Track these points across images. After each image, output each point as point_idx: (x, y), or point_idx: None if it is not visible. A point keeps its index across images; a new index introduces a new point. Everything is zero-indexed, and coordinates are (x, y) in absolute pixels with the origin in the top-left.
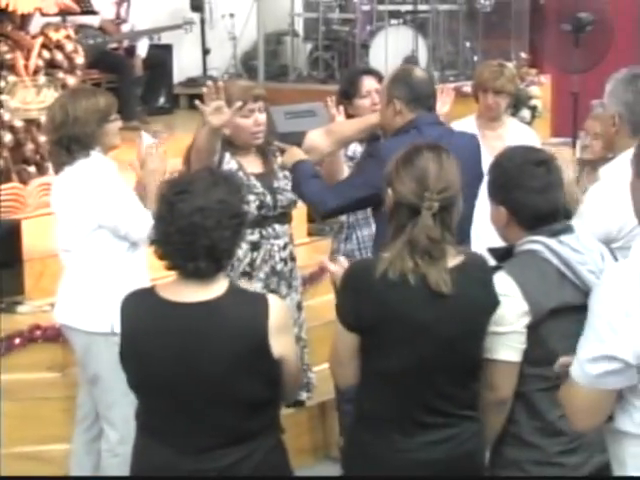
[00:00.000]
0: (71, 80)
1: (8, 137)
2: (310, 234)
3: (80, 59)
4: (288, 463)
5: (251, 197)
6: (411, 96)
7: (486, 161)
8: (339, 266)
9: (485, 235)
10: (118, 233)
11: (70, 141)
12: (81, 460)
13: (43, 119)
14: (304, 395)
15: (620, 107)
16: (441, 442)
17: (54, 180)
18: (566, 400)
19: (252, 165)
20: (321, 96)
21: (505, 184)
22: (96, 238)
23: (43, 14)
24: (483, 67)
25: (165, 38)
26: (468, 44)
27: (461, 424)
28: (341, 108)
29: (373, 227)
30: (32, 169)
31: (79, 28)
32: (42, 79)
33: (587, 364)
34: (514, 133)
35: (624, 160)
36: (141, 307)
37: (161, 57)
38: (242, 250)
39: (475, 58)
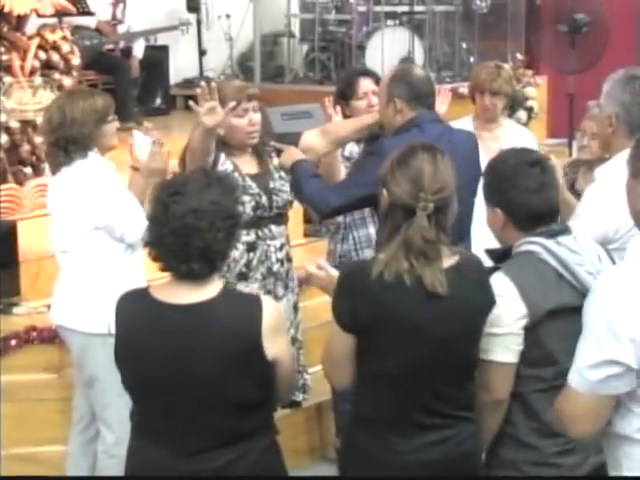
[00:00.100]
0: (67, 81)
1: (4, 138)
2: (306, 235)
3: (76, 60)
4: (283, 463)
5: (247, 198)
6: (412, 95)
7: (483, 162)
8: (317, 267)
9: (483, 237)
10: (114, 234)
11: (68, 142)
12: (77, 461)
13: (39, 120)
14: (300, 396)
15: (617, 108)
16: (438, 443)
17: (51, 181)
18: (564, 408)
19: (247, 166)
20: (317, 97)
21: (500, 185)
22: (93, 239)
23: (39, 15)
24: (480, 68)
25: (161, 39)
26: (464, 45)
27: (458, 425)
28: (338, 108)
29: (369, 227)
30: (28, 170)
31: (75, 29)
32: (38, 80)
33: (587, 370)
34: (511, 134)
35: (620, 161)
36: (135, 308)
37: (157, 58)
38: (238, 251)
39: (471, 59)
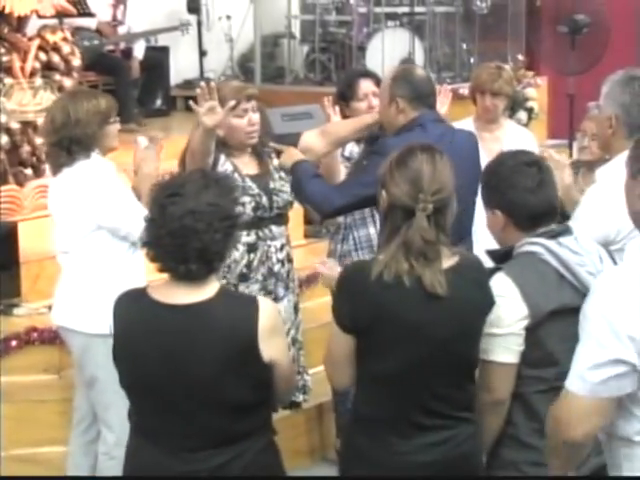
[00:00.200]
0: (68, 82)
1: (4, 139)
2: (307, 236)
3: (77, 61)
4: (281, 463)
5: (247, 198)
6: (414, 94)
7: (483, 163)
8: (327, 267)
9: (484, 238)
10: (118, 234)
11: (71, 142)
12: (78, 462)
13: (40, 121)
14: (300, 397)
15: (617, 109)
16: (438, 444)
17: (52, 182)
18: (560, 413)
19: (247, 166)
20: (318, 98)
21: (498, 186)
22: (95, 239)
23: (40, 16)
24: (481, 69)
25: (162, 40)
26: (465, 46)
27: (458, 426)
28: (337, 108)
29: (370, 228)
30: (28, 171)
31: (76, 30)
32: (39, 81)
33: (588, 372)
34: (512, 135)
35: (621, 162)
36: (132, 308)
37: (158, 59)
38: (239, 252)
39: (472, 60)
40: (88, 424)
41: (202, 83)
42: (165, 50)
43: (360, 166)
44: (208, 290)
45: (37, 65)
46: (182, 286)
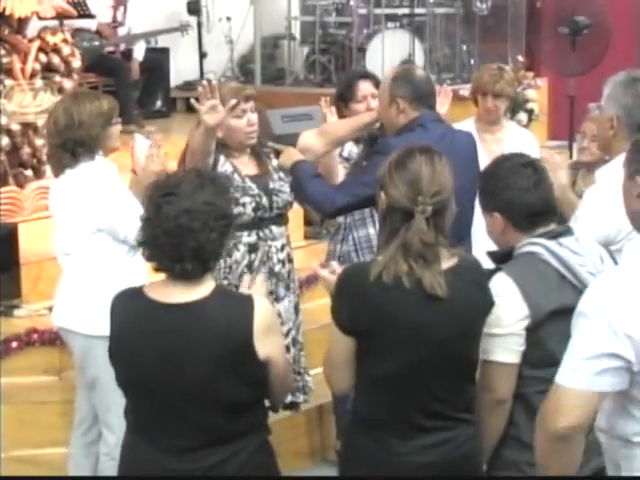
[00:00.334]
0: (68, 84)
1: (5, 141)
2: (307, 237)
3: (77, 63)
4: (275, 463)
5: (247, 199)
6: (414, 95)
7: (484, 165)
8: (330, 271)
9: (484, 240)
10: (117, 236)
11: (75, 145)
12: (79, 464)
13: (40, 123)
14: (300, 397)
15: (618, 110)
16: (438, 445)
17: (54, 183)
18: (547, 404)
19: (247, 167)
20: (318, 99)
21: (495, 188)
22: (96, 241)
23: (40, 18)
24: (482, 70)
25: (162, 41)
26: (465, 47)
27: (458, 427)
28: (333, 109)
29: (369, 228)
30: (29, 173)
31: (76, 32)
32: (39, 83)
33: (583, 362)
34: (513, 136)
35: (621, 163)
36: (129, 307)
37: (158, 60)
38: (240, 252)
39: (472, 61)
40: (89, 425)
41: (204, 82)
42: (165, 51)
43: (360, 166)
44: (204, 289)
45: (37, 66)
46: (178, 285)
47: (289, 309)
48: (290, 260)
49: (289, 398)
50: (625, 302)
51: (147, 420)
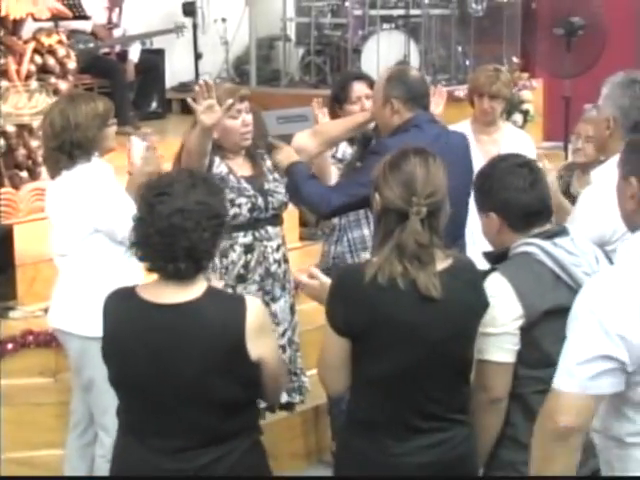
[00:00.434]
0: (63, 85)
1: (0, 142)
2: (302, 238)
3: (72, 64)
4: (266, 464)
5: (243, 200)
6: (409, 95)
7: (480, 166)
8: (309, 276)
9: (481, 240)
10: (115, 238)
11: (72, 146)
12: (74, 466)
13: (35, 124)
14: (297, 398)
15: (615, 111)
16: (434, 446)
17: (50, 185)
18: (547, 406)
19: (242, 168)
20: (313, 101)
21: (491, 188)
22: (92, 242)
23: (35, 19)
24: (479, 72)
25: (157, 43)
26: (460, 48)
27: (453, 428)
28: (325, 110)
29: (364, 229)
30: (24, 174)
31: (71, 33)
32: (34, 84)
33: (577, 367)
34: (509, 138)
35: (616, 163)
36: (121, 307)
37: (153, 62)
38: (236, 253)
39: (467, 62)
40: (84, 427)
41: (200, 81)
42: (160, 53)
43: (354, 167)
44: (196, 289)
45: (32, 68)
46: (171, 285)
47: (285, 309)
48: (286, 260)
49: (285, 398)
50: (618, 303)
51: (139, 420)
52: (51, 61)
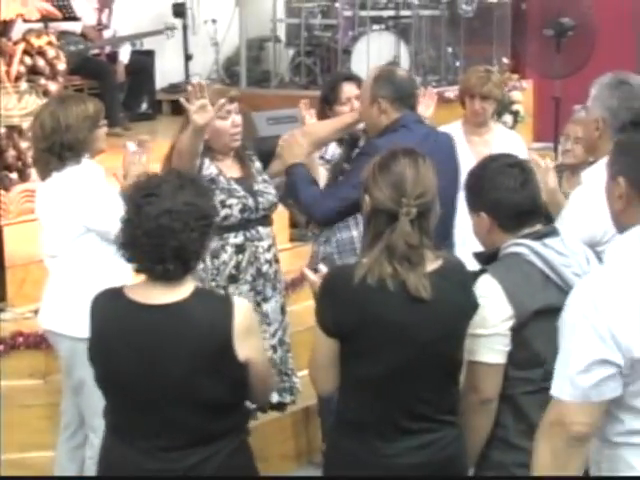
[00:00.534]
0: (53, 86)
1: None
2: (292, 239)
3: (62, 65)
4: (253, 464)
5: (233, 201)
6: (396, 95)
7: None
8: (319, 276)
9: (471, 241)
10: (108, 237)
11: (62, 148)
12: (64, 467)
13: (25, 125)
14: (288, 398)
15: (604, 112)
16: (424, 447)
17: (41, 186)
18: (554, 417)
19: (231, 170)
20: None
21: (483, 188)
22: (83, 243)
23: (25, 20)
24: (470, 73)
25: (147, 44)
26: (450, 49)
27: (442, 429)
28: (313, 111)
29: (352, 230)
30: (14, 176)
31: (61, 34)
32: (24, 85)
33: (578, 376)
34: (501, 139)
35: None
36: (109, 308)
37: (143, 63)
38: (227, 253)
39: (457, 63)
40: (74, 429)
41: (193, 81)
42: (150, 54)
43: (341, 167)
44: (184, 290)
45: (22, 69)
46: (158, 286)
47: (276, 309)
48: (276, 260)
49: (276, 398)
50: (609, 305)
51: (126, 421)
52: (41, 62)
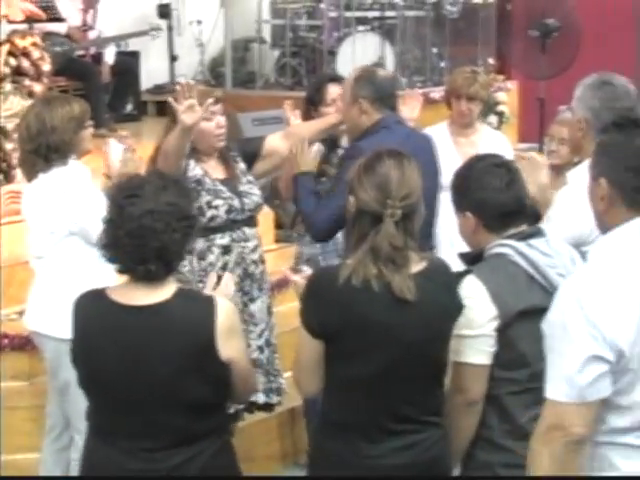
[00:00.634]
0: (38, 87)
1: None
2: (277, 241)
3: (47, 66)
4: (236, 464)
5: (220, 202)
6: (376, 95)
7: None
8: (302, 277)
9: (459, 242)
10: (90, 240)
11: (48, 150)
12: (50, 470)
13: (10, 127)
14: (274, 399)
15: (586, 112)
16: (408, 448)
17: (27, 187)
18: (551, 420)
19: (215, 171)
20: None
21: (469, 187)
22: (69, 245)
23: (10, 21)
24: (456, 74)
25: (132, 45)
26: (435, 50)
27: (427, 430)
28: (297, 112)
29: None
30: None
31: (46, 35)
32: (8, 86)
33: (576, 376)
34: (487, 139)
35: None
36: (91, 309)
37: (128, 64)
38: (214, 254)
39: (442, 64)
40: (60, 431)
41: (182, 81)
42: (135, 55)
43: (325, 170)
44: (166, 291)
45: (7, 70)
46: (141, 287)
47: (263, 310)
48: (262, 261)
49: (263, 399)
50: (594, 302)
51: (109, 422)
52: (25, 63)
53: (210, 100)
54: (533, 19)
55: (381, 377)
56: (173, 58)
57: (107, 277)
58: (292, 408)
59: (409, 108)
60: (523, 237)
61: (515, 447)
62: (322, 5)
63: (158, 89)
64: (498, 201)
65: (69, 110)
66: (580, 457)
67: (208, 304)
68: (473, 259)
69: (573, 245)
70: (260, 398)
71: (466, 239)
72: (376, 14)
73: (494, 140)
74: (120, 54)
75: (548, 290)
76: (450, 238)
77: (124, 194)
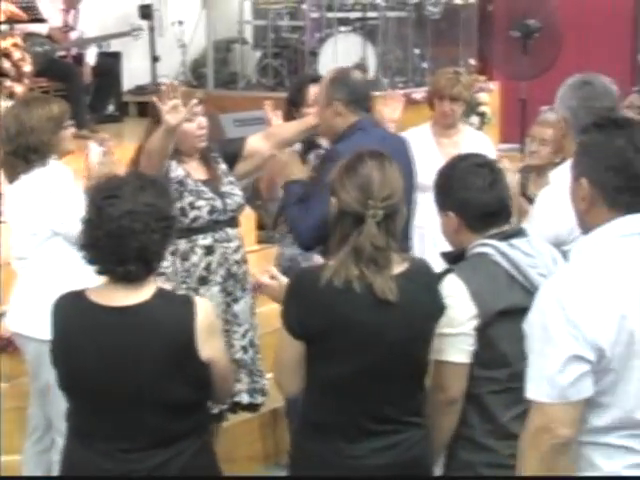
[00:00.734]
0: (19, 88)
1: None
2: (259, 241)
3: (28, 67)
4: (216, 465)
5: (202, 202)
6: (351, 97)
7: None
8: (270, 276)
9: (441, 242)
10: (72, 240)
11: (28, 151)
12: (32, 472)
13: None
14: (259, 399)
15: (565, 112)
16: (389, 448)
17: (8, 189)
18: (537, 422)
19: (197, 172)
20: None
21: (451, 187)
22: (51, 246)
23: None
24: (439, 75)
25: (114, 46)
26: (417, 51)
27: (408, 430)
28: (278, 112)
29: None
30: None
31: (27, 36)
32: None
33: (557, 376)
34: (469, 140)
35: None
36: (70, 310)
37: (110, 65)
38: (197, 255)
39: (424, 65)
40: (41, 433)
41: (167, 81)
42: (117, 56)
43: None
44: (145, 291)
45: None
46: (120, 288)
47: (246, 310)
48: (245, 261)
49: (247, 399)
50: (575, 302)
51: (88, 423)
52: (6, 64)
53: (194, 101)
54: (514, 20)
55: (362, 378)
56: (155, 59)
57: (90, 279)
58: (274, 409)
59: (391, 109)
60: (505, 237)
61: (497, 447)
62: (304, 6)
63: (140, 90)
64: (481, 201)
65: (48, 110)
66: (567, 460)
67: (187, 304)
68: (455, 258)
69: (554, 244)
70: (244, 398)
71: (448, 238)
72: (358, 15)
73: (477, 141)
74: (101, 55)
75: (529, 290)
76: (433, 238)
77: (103, 195)
